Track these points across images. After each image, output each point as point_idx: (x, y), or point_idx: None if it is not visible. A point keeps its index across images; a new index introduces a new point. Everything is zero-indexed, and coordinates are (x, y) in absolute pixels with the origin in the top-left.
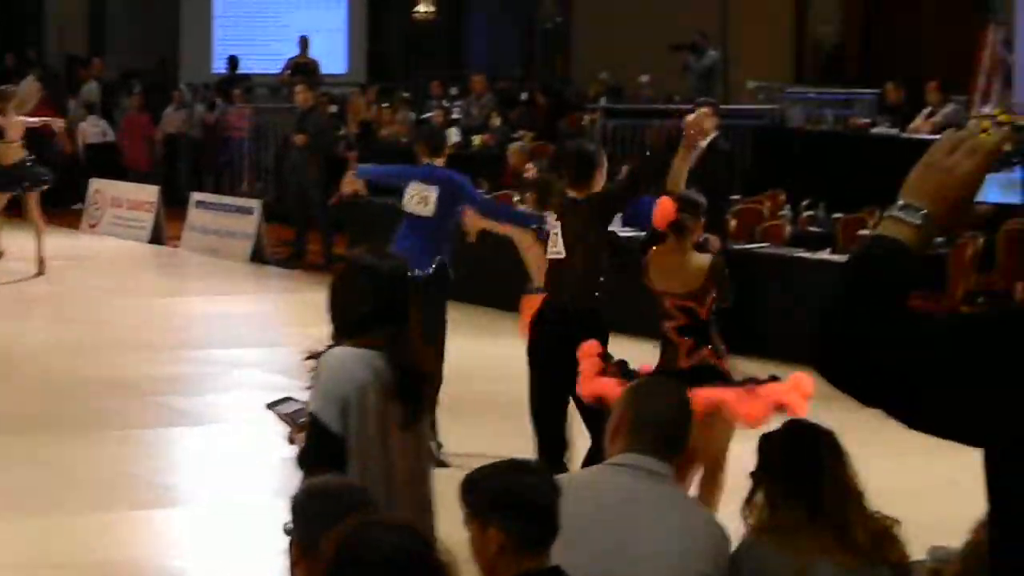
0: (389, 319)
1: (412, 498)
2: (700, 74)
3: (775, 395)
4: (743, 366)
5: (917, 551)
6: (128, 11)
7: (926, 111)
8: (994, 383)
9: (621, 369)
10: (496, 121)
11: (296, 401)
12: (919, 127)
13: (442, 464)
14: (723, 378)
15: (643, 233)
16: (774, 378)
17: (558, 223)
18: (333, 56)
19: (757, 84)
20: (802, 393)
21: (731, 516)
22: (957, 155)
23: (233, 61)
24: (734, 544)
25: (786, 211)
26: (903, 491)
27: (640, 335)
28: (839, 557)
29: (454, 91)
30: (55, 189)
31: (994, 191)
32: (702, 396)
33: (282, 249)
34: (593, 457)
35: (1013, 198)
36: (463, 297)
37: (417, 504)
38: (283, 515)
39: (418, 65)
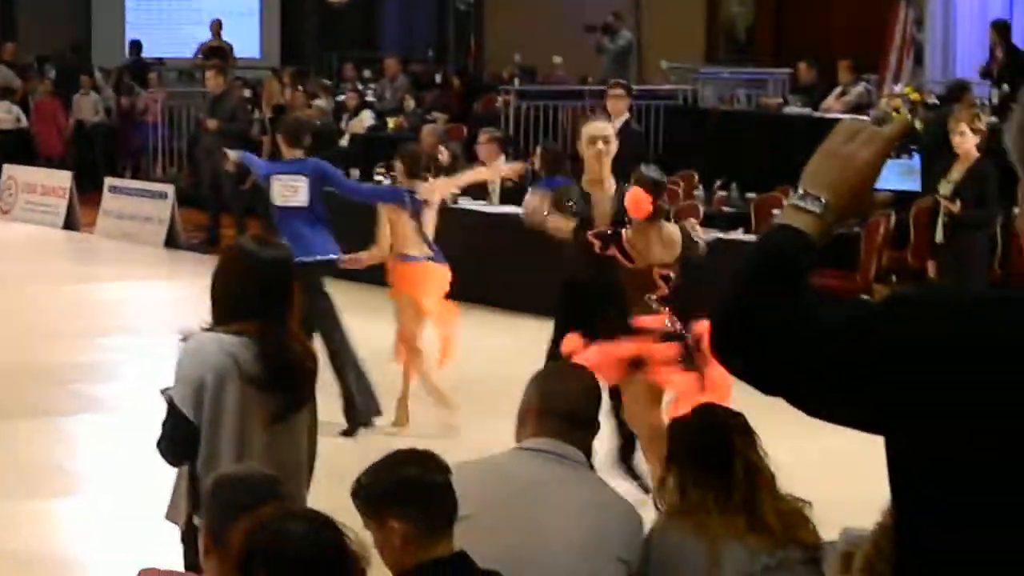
0: (265, 308)
1: None
2: (614, 55)
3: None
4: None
5: (829, 530)
6: None
7: (838, 90)
8: (886, 373)
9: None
10: (410, 104)
11: None
12: (831, 106)
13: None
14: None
15: None
16: None
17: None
18: (246, 40)
19: (670, 65)
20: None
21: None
22: (855, 144)
23: (136, 46)
24: (647, 527)
25: (699, 191)
26: (815, 470)
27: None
28: (750, 540)
29: (368, 74)
30: None
31: (893, 177)
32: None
33: (196, 234)
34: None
35: (911, 184)
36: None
37: None
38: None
39: (332, 48)
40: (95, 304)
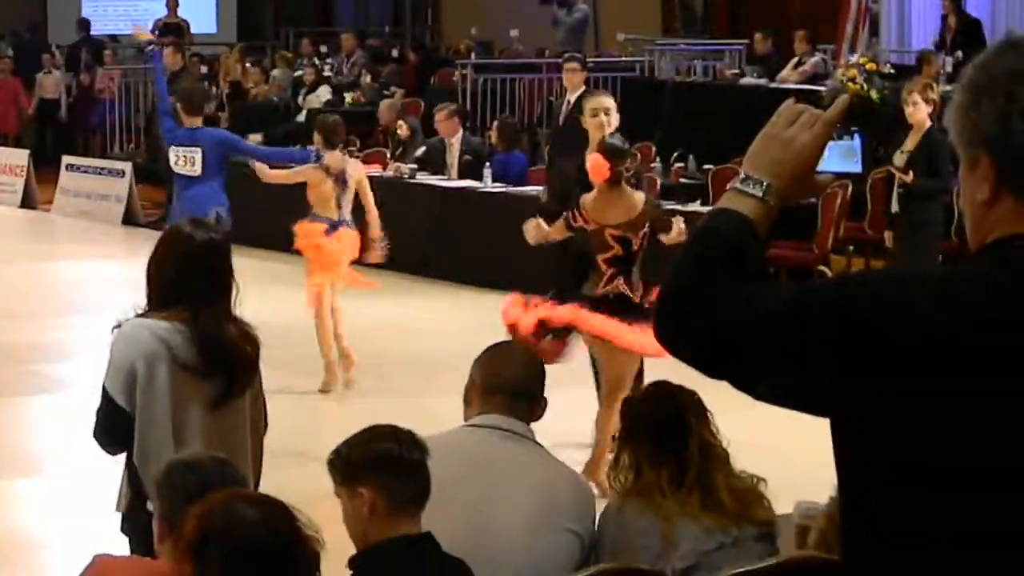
0: (198, 291)
1: None
2: (570, 28)
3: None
4: None
5: (784, 504)
6: None
7: (794, 61)
8: (827, 354)
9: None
10: (367, 79)
11: None
12: (787, 77)
13: None
14: (628, 308)
15: (513, 188)
16: None
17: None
18: (203, 15)
19: (626, 36)
20: None
21: None
22: (795, 127)
23: (84, 24)
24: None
25: (657, 163)
26: (767, 444)
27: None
28: (704, 519)
29: (324, 49)
30: None
31: (835, 160)
32: (593, 327)
33: (155, 211)
34: None
35: (853, 167)
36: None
37: None
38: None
39: (288, 23)
40: (53, 283)
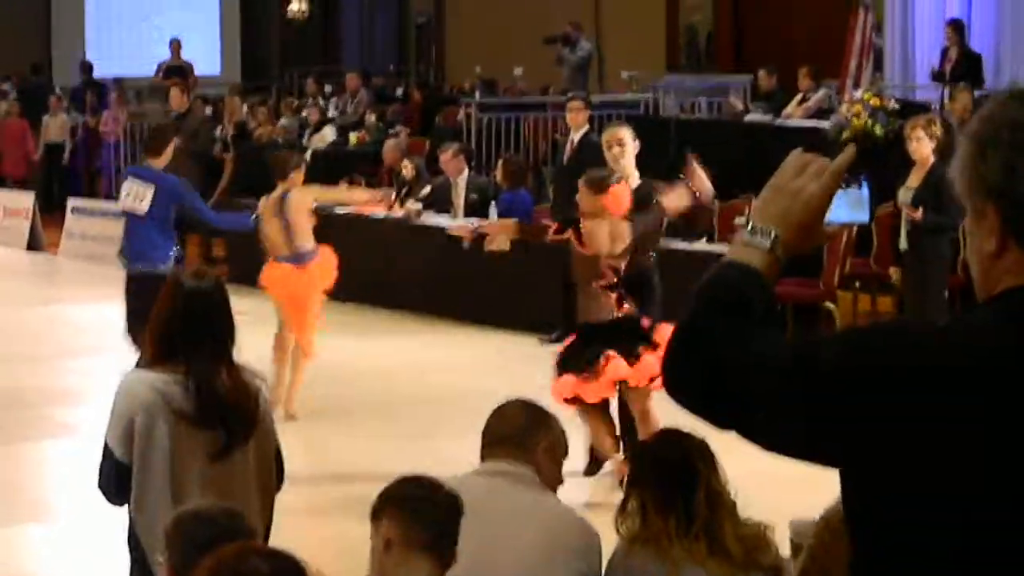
0: (192, 342)
1: None
2: (575, 66)
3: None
4: None
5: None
6: None
7: (798, 97)
8: (833, 405)
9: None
10: (371, 118)
11: None
12: (792, 113)
13: None
14: (640, 331)
15: None
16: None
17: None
18: (207, 56)
19: (631, 74)
20: None
21: None
22: (803, 177)
23: (87, 67)
24: (606, 551)
25: None
26: (771, 476)
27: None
28: (711, 566)
29: (329, 89)
30: None
31: (842, 210)
32: (608, 380)
33: None
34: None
35: (861, 216)
36: None
37: None
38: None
39: (293, 63)
40: (59, 326)
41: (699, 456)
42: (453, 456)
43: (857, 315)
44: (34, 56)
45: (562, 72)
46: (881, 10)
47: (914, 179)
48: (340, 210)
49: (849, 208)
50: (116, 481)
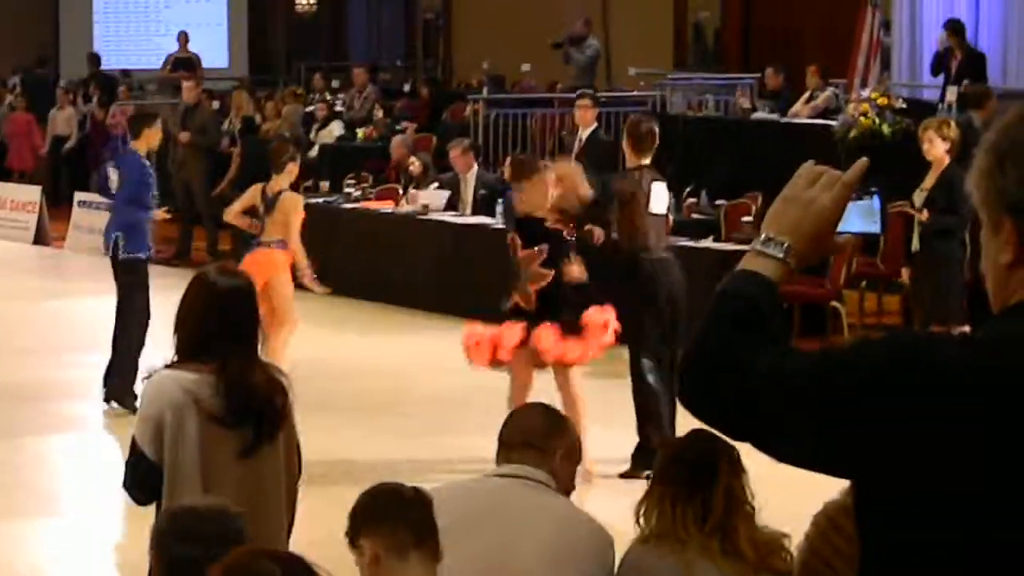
0: (223, 341)
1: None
2: (583, 65)
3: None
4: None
5: None
6: (5, 9)
7: (805, 95)
8: (848, 416)
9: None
10: (379, 114)
11: None
12: (799, 111)
13: None
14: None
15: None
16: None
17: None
18: (214, 50)
19: (638, 71)
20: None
21: None
22: (815, 188)
23: (95, 59)
24: (619, 547)
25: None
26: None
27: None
28: (724, 565)
29: (336, 84)
30: None
31: (854, 221)
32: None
33: (166, 247)
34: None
35: (872, 227)
36: None
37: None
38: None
39: (300, 58)
40: (66, 320)
41: (725, 458)
42: (461, 453)
43: (864, 315)
44: (41, 49)
45: (571, 70)
46: (889, 8)
47: (928, 180)
48: (347, 205)
49: (861, 219)
50: (144, 480)
